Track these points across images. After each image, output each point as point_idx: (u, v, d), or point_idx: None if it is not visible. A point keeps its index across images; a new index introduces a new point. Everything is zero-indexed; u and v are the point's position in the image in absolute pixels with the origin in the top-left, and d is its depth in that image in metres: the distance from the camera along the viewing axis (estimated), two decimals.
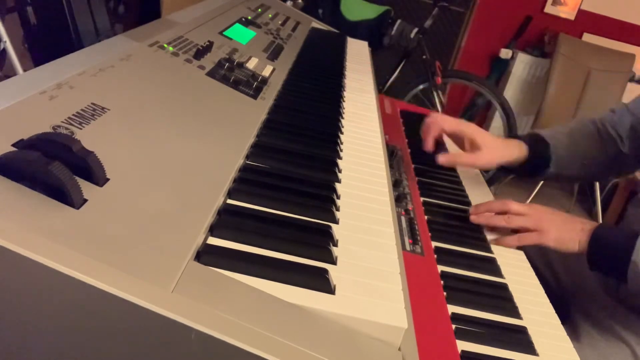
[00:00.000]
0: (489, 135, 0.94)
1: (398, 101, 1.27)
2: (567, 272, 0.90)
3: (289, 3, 2.14)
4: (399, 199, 0.77)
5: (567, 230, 0.78)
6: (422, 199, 0.82)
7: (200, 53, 0.73)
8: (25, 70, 1.83)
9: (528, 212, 0.80)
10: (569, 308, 0.80)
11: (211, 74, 0.70)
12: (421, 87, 2.68)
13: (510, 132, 2.62)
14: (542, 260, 0.92)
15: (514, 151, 0.97)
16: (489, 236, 0.80)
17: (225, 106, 0.64)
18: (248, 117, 0.65)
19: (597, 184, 2.66)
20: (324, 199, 0.53)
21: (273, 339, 0.32)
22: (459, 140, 0.94)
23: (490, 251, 0.75)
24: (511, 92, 3.10)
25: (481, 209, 0.82)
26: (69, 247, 0.32)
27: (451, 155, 0.91)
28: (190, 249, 0.38)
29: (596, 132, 1.01)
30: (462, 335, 0.55)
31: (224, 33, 0.88)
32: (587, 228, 0.76)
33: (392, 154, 0.91)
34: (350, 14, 2.70)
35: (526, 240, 0.79)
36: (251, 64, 0.81)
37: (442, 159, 0.88)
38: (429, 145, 0.90)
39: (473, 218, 0.81)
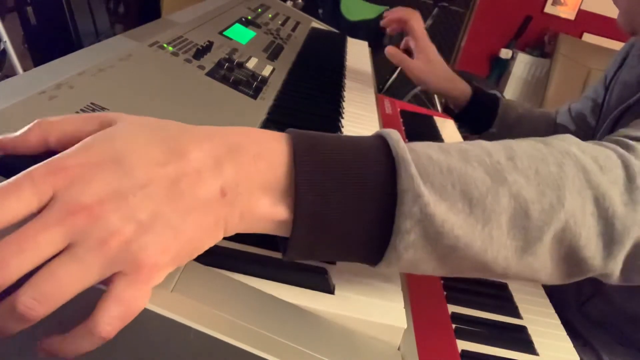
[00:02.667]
0: (437, 55, 0.97)
1: (398, 101, 1.27)
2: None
3: (289, 3, 2.14)
4: None
5: None
6: None
7: (200, 53, 0.73)
8: (25, 70, 1.83)
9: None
10: None
11: (211, 74, 0.70)
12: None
13: None
14: None
15: (459, 85, 0.98)
16: None
17: (225, 106, 0.64)
18: (248, 117, 0.65)
19: None
20: None
21: (272, 338, 0.32)
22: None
23: None
24: (511, 92, 3.11)
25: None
26: None
27: (401, 54, 0.94)
28: None
29: (554, 118, 1.02)
30: (462, 334, 0.55)
31: (223, 33, 0.88)
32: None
33: None
34: (350, 14, 2.71)
35: None
36: (251, 64, 0.81)
37: (390, 50, 0.92)
38: (386, 22, 0.97)
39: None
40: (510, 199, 0.36)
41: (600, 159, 0.41)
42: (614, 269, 0.41)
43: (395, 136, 0.36)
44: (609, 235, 0.39)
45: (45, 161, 0.29)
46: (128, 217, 0.29)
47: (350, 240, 0.35)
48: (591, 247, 0.39)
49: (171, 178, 0.30)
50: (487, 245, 0.36)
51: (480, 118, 1.00)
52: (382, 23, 0.98)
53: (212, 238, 0.33)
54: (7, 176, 0.35)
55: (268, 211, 0.33)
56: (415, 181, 0.33)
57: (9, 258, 0.27)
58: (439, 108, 2.58)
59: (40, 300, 0.27)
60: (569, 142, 0.42)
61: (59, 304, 0.28)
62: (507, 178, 0.36)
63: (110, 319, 0.28)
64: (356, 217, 0.34)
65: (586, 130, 0.91)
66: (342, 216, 0.33)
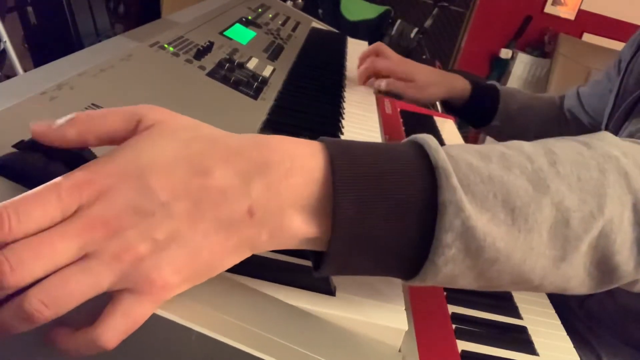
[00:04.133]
0: (424, 68, 0.96)
1: (398, 101, 1.27)
2: None
3: (289, 3, 2.14)
4: None
5: None
6: None
7: (201, 53, 0.73)
8: (25, 70, 1.83)
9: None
10: None
11: (211, 74, 0.70)
12: None
13: None
14: None
15: (457, 84, 0.97)
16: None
17: (225, 107, 0.64)
18: (249, 117, 0.65)
19: None
20: None
21: (273, 340, 0.32)
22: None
23: None
24: None
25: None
26: None
27: (392, 80, 0.94)
28: None
29: (560, 106, 1.01)
30: (462, 335, 0.55)
31: (224, 33, 0.88)
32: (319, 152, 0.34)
33: None
34: (350, 14, 2.71)
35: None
36: (251, 64, 0.81)
37: (383, 85, 0.92)
38: (360, 80, 0.95)
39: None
40: (553, 208, 0.35)
41: None
42: None
43: (433, 144, 0.34)
44: None
45: (71, 173, 0.30)
46: (144, 235, 0.29)
47: (388, 254, 0.34)
48: (625, 253, 0.37)
49: (193, 198, 0.30)
50: (527, 255, 0.35)
51: (482, 113, 1.00)
52: (360, 82, 0.97)
53: (234, 259, 0.32)
54: (8, 177, 0.35)
55: (301, 229, 0.32)
56: (457, 193, 0.32)
57: (24, 259, 0.27)
58: (439, 108, 2.58)
59: (47, 304, 0.27)
60: (610, 144, 0.40)
61: (64, 310, 0.28)
62: (549, 186, 0.35)
63: (115, 332, 0.29)
64: (396, 231, 0.32)
65: (598, 116, 0.90)
66: (382, 230, 0.32)
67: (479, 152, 0.36)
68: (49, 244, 0.28)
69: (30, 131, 0.32)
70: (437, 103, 2.58)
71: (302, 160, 0.32)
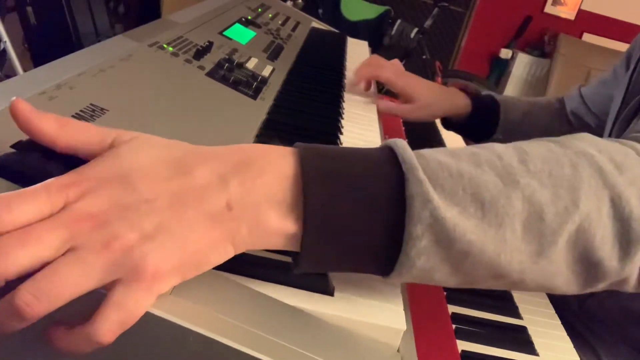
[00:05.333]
0: (425, 86, 0.92)
1: (398, 101, 1.27)
2: None
3: (289, 3, 2.14)
4: None
5: None
6: None
7: (200, 53, 0.73)
8: (25, 70, 1.83)
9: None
10: None
11: (211, 74, 0.70)
12: None
13: None
14: None
15: (457, 102, 0.94)
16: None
17: (225, 107, 0.64)
18: (248, 117, 0.65)
19: None
20: None
21: (271, 340, 0.32)
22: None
23: None
24: (511, 92, 3.11)
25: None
26: None
27: (390, 103, 0.91)
28: None
29: (559, 108, 1.00)
30: (462, 335, 0.55)
31: (223, 33, 0.88)
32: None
33: None
34: (350, 14, 2.71)
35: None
36: (251, 64, 0.81)
37: (381, 105, 0.88)
38: (357, 81, 0.92)
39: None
40: (524, 202, 0.35)
41: (618, 158, 0.39)
42: (631, 273, 0.39)
43: (401, 144, 0.35)
44: (626, 236, 0.37)
45: (61, 176, 0.31)
46: (132, 225, 0.30)
47: (361, 249, 0.34)
48: (606, 248, 0.37)
49: (176, 193, 0.31)
50: (501, 249, 0.35)
51: (483, 128, 0.98)
52: (356, 83, 0.93)
53: (219, 253, 0.33)
54: (6, 177, 0.35)
55: (277, 225, 0.33)
56: (424, 185, 0.33)
57: (9, 249, 0.27)
58: None
59: (39, 298, 0.27)
60: (585, 142, 0.40)
61: (57, 304, 0.28)
62: (519, 181, 0.36)
63: (110, 325, 0.28)
64: (366, 225, 0.33)
65: (605, 117, 0.88)
66: (351, 224, 0.33)
67: (450, 152, 0.37)
68: (35, 233, 0.28)
69: (10, 105, 0.33)
70: None
71: (276, 160, 0.34)
